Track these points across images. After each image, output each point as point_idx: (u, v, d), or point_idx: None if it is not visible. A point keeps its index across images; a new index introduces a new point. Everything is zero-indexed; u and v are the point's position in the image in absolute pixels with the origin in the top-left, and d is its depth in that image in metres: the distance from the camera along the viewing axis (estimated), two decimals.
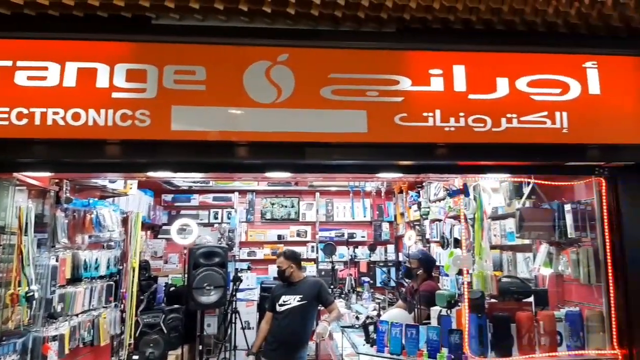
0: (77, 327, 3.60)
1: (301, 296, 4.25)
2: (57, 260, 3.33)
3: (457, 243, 4.31)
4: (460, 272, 3.57)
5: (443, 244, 4.87)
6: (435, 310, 3.30)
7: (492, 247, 4.07)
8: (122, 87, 2.62)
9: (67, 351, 3.38)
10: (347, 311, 5.20)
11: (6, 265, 2.73)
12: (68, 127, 2.55)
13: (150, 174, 3.13)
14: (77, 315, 3.63)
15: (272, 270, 7.07)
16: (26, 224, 2.91)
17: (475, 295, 3.02)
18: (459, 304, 3.20)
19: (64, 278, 3.46)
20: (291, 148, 2.78)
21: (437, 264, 5.06)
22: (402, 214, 7.13)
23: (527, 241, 3.71)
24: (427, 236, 5.78)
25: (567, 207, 3.25)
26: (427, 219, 5.83)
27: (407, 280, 5.31)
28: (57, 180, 3.46)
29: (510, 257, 4.06)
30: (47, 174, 3.17)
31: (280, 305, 4.25)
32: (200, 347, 4.97)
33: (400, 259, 7.16)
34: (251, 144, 2.74)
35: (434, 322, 3.26)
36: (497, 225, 4.26)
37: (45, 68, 2.61)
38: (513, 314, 3.07)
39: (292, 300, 4.26)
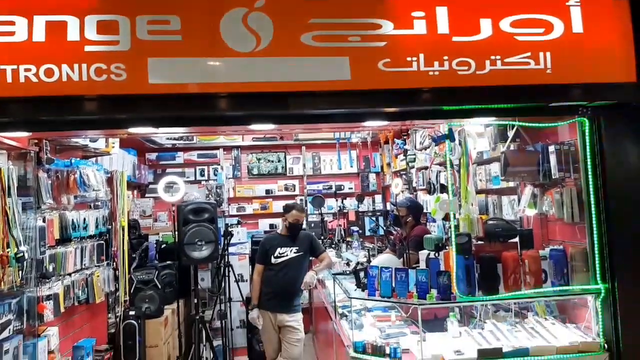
0: (71, 286, 3.63)
1: (297, 248, 4.43)
2: (44, 221, 3.31)
3: (443, 188, 4.35)
4: (446, 217, 3.65)
5: (430, 190, 4.92)
6: (423, 254, 3.37)
7: (478, 192, 4.12)
8: (94, 40, 2.53)
9: (62, 309, 3.43)
10: (337, 260, 5.31)
11: None
12: (42, 83, 2.48)
13: (131, 130, 3.08)
14: (69, 274, 3.65)
15: (262, 224, 7.15)
16: (8, 186, 2.86)
17: (462, 238, 3.07)
18: (447, 247, 3.27)
19: (52, 239, 3.45)
20: (274, 98, 2.74)
21: (425, 210, 5.13)
22: (388, 164, 7.16)
23: (511, 184, 3.76)
24: (414, 184, 5.82)
25: (551, 148, 3.27)
26: (413, 167, 5.85)
27: (395, 228, 5.40)
28: (36, 141, 3.39)
29: (496, 201, 4.12)
30: (25, 134, 3.10)
31: (276, 257, 4.38)
32: (196, 301, 5.06)
33: (388, 208, 7.24)
34: (232, 95, 2.69)
35: (422, 265, 3.33)
36: (482, 170, 4.29)
37: (12, 22, 2.50)
38: (499, 255, 3.14)
39: (288, 252, 4.41)
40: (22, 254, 2.81)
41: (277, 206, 7.23)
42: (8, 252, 2.74)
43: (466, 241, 3.07)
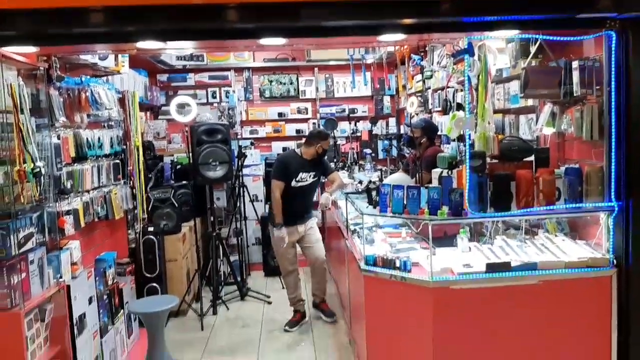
0: (90, 202, 3.72)
1: (314, 173, 4.56)
2: (58, 139, 3.33)
3: (459, 107, 4.25)
4: (461, 139, 3.59)
5: (445, 108, 4.82)
6: (436, 172, 3.36)
7: (495, 112, 4.01)
8: None
9: (83, 224, 3.54)
10: (350, 181, 5.34)
11: (7, 143, 2.73)
12: None
13: (139, 44, 3.00)
14: (87, 192, 3.73)
15: (275, 147, 7.15)
16: (20, 102, 2.85)
17: (477, 155, 3.04)
18: (460, 165, 3.25)
19: (68, 156, 3.49)
20: (284, 9, 2.62)
21: (439, 132, 5.07)
22: (404, 87, 6.98)
23: (530, 102, 3.65)
24: (429, 105, 5.71)
25: (575, 64, 3.13)
26: (429, 88, 5.71)
27: (409, 150, 5.38)
28: (45, 58, 3.33)
29: (513, 121, 4.03)
30: (31, 49, 3.03)
31: (297, 181, 4.49)
32: (212, 219, 5.21)
33: (402, 131, 7.17)
34: (241, 5, 2.57)
35: (435, 183, 3.34)
36: (500, 89, 4.17)
37: None
38: (513, 174, 3.12)
39: (308, 178, 4.54)
40: (38, 169, 2.85)
41: (290, 129, 7.21)
42: (25, 167, 2.78)
43: (480, 159, 3.03)
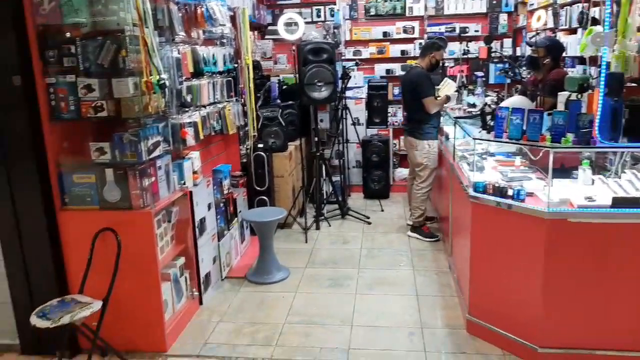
0: (207, 117, 3.93)
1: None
2: (178, 54, 3.48)
3: (595, 23, 3.77)
4: (593, 62, 3.19)
5: (582, 21, 4.28)
6: (563, 95, 3.07)
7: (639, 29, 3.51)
8: None
9: (201, 137, 3.77)
10: (459, 105, 5.10)
11: (135, 55, 2.91)
12: None
13: None
14: (204, 106, 3.93)
15: (378, 69, 6.96)
16: (145, 16, 2.98)
17: (614, 76, 2.71)
18: (591, 89, 2.94)
19: (187, 71, 3.65)
20: None
21: (564, 54, 4.58)
22: (523, 2, 6.33)
23: None
24: (560, 21, 5.13)
25: None
26: (556, 2, 5.11)
27: (527, 73, 4.96)
28: None
29: None
30: None
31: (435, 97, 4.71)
32: (316, 139, 5.31)
33: (518, 53, 6.60)
34: None
35: (560, 107, 3.06)
36: None
37: None
38: None
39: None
40: (163, 81, 3.01)
41: (394, 50, 6.93)
42: (151, 79, 2.95)
43: (617, 79, 2.70)
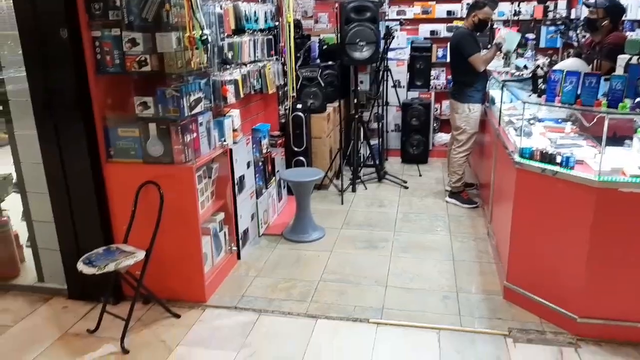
0: (247, 75, 3.91)
1: None
2: (220, 9, 3.45)
3: None
4: None
5: None
6: (622, 59, 2.88)
7: None
8: None
9: (242, 95, 3.76)
10: (506, 68, 4.89)
11: (178, 10, 2.89)
12: None
13: None
14: (245, 64, 3.91)
15: (422, 30, 6.71)
16: None
17: None
18: None
19: (229, 28, 3.62)
20: None
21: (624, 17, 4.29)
22: None
23: None
24: None
25: None
26: None
27: (583, 36, 4.68)
28: None
29: None
30: None
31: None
32: (355, 101, 5.22)
33: (573, 16, 6.22)
34: None
35: (619, 71, 2.88)
36: None
37: None
38: None
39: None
40: (205, 37, 3.00)
41: (440, 10, 6.66)
42: (194, 34, 2.94)
43: None
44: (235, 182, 3.53)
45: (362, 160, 5.62)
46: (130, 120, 2.99)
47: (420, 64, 5.91)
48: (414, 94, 6.22)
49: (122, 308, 3.00)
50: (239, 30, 3.83)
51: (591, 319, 2.75)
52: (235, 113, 3.61)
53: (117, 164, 3.05)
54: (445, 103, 6.42)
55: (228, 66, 3.61)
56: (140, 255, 2.80)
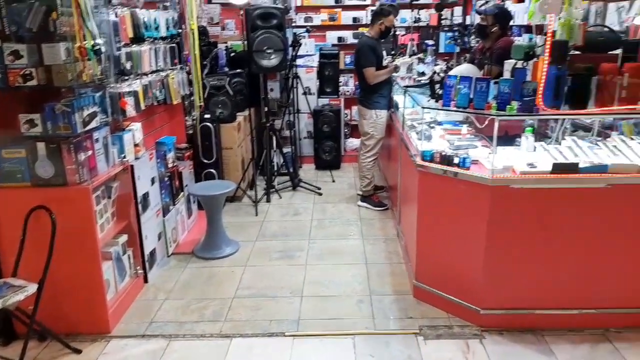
0: (149, 85, 3.74)
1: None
2: (116, 17, 3.26)
3: None
4: (539, 30, 3.24)
5: None
6: (509, 64, 3.10)
7: None
8: None
9: (143, 107, 3.58)
10: (408, 74, 5.09)
11: (67, 18, 2.69)
12: None
13: None
14: (146, 74, 3.73)
15: (330, 36, 6.84)
16: None
17: (558, 44, 2.75)
18: (537, 57, 2.97)
19: (126, 37, 3.44)
20: None
21: (512, 23, 4.63)
22: None
23: None
24: None
25: None
26: None
27: (476, 41, 4.99)
28: None
29: (600, 9, 3.60)
30: None
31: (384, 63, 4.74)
32: (266, 109, 5.18)
33: (467, 22, 6.64)
34: None
35: (506, 75, 3.09)
36: None
37: None
38: (596, 68, 2.83)
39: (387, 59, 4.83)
40: (98, 47, 2.81)
41: (346, 17, 6.82)
42: (85, 44, 2.75)
43: (562, 46, 2.74)
44: (139, 200, 3.34)
45: (275, 169, 5.59)
46: (16, 140, 2.74)
47: (329, 71, 6.01)
48: (324, 100, 6.31)
49: (15, 348, 2.73)
50: (138, 39, 3.65)
51: (493, 309, 2.92)
52: (137, 126, 3.43)
53: (2, 189, 2.77)
54: (355, 109, 6.57)
55: (126, 77, 3.42)
56: (32, 288, 2.56)
